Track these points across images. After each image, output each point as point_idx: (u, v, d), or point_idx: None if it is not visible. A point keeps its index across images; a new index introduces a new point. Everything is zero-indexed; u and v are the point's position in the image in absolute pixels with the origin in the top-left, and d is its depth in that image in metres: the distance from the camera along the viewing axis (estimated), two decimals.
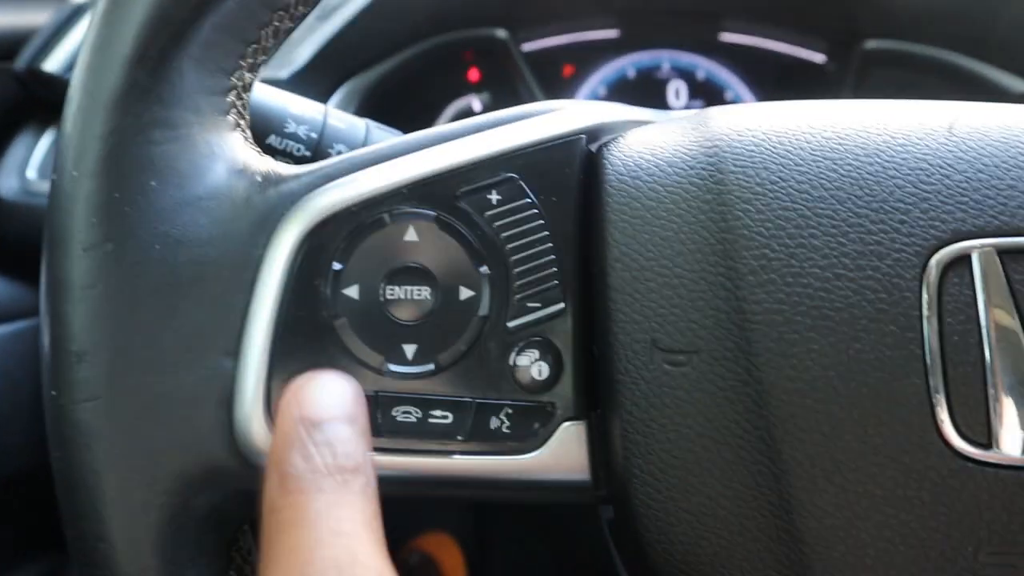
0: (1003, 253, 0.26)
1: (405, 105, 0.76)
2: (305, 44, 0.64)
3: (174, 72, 0.27)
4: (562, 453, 0.30)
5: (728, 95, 0.83)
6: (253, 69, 0.30)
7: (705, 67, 0.83)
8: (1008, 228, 0.26)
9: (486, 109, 0.81)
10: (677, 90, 0.84)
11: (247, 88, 0.30)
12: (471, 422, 0.29)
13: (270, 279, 0.28)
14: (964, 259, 0.26)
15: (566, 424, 0.30)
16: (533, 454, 0.29)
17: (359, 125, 0.46)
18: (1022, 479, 0.26)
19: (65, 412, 0.27)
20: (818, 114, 0.30)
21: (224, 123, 0.29)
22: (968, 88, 0.71)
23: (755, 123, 0.30)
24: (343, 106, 0.69)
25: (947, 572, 0.26)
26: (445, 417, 0.29)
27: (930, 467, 0.26)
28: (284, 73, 0.62)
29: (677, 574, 0.28)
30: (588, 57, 0.83)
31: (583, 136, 0.31)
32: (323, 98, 0.68)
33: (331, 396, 0.25)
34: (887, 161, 0.28)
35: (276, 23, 0.30)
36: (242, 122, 0.31)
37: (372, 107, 0.72)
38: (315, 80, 0.66)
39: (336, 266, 0.29)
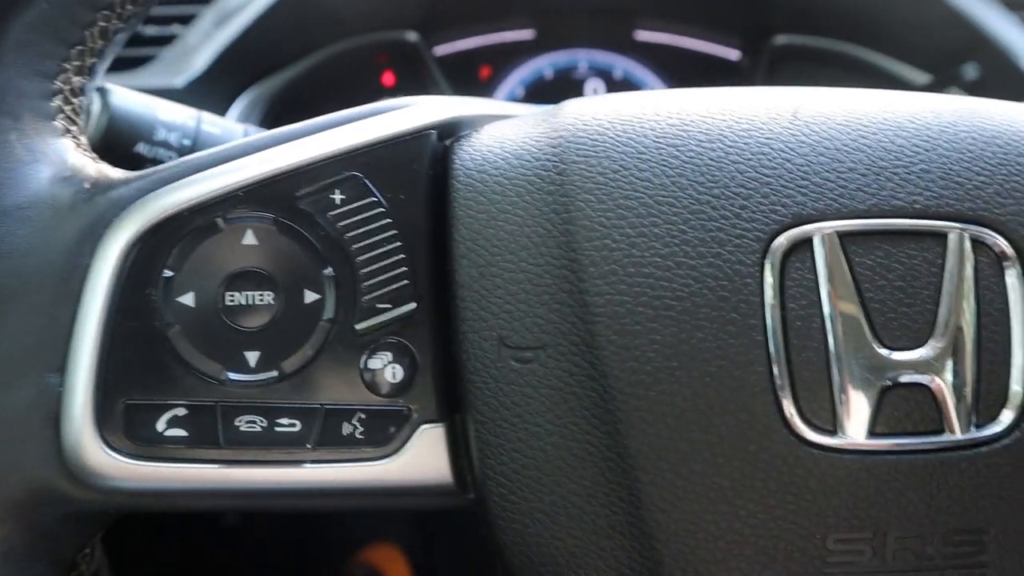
0: (844, 236, 0.26)
1: (315, 112, 0.75)
2: (202, 50, 0.63)
3: None
4: (422, 457, 0.29)
5: None
6: (84, 72, 0.29)
7: (622, 65, 0.83)
8: (848, 210, 0.26)
9: None
10: (595, 89, 0.84)
11: (77, 92, 0.29)
12: (321, 429, 0.28)
13: (96, 289, 0.27)
14: (806, 243, 0.26)
15: (424, 427, 0.29)
16: (390, 459, 0.28)
17: (236, 130, 0.44)
18: (867, 464, 0.25)
19: None
20: (667, 102, 0.29)
21: (49, 128, 0.28)
22: (874, 81, 0.71)
23: (602, 113, 0.29)
24: (246, 114, 0.67)
25: (797, 560, 0.25)
26: (293, 425, 0.28)
27: (776, 455, 0.25)
28: (179, 81, 0.61)
29: (535, 573, 0.27)
30: (504, 59, 0.83)
31: (433, 132, 0.30)
32: (224, 106, 0.66)
33: None
34: (729, 146, 0.27)
35: (102, 23, 0.28)
36: (74, 127, 0.29)
37: (279, 115, 0.70)
38: (214, 88, 0.64)
39: (168, 273, 0.27)
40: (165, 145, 0.42)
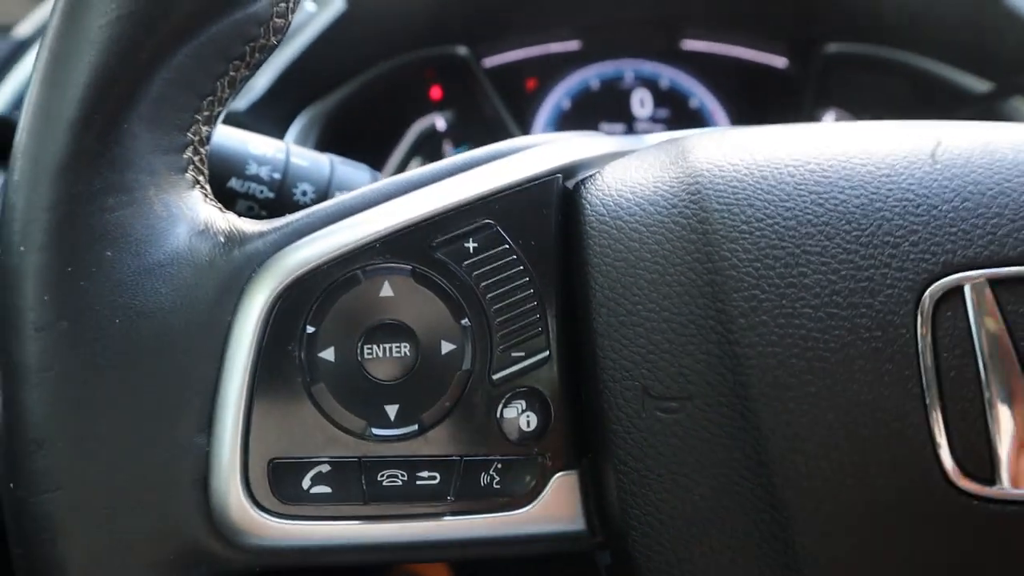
0: (995, 283, 0.26)
1: (368, 127, 0.75)
2: (262, 72, 0.62)
3: (124, 134, 0.26)
4: (556, 505, 0.29)
5: (692, 102, 0.83)
6: (210, 122, 0.29)
7: (668, 75, 0.83)
8: (998, 258, 0.26)
9: (450, 127, 0.80)
10: (641, 99, 0.83)
11: (204, 141, 0.29)
12: (460, 481, 0.28)
13: (240, 347, 0.27)
14: (956, 291, 0.26)
15: (558, 475, 0.29)
16: (526, 508, 0.28)
17: (323, 161, 0.44)
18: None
19: (25, 505, 0.25)
20: (798, 144, 0.29)
21: (182, 181, 0.28)
22: (930, 89, 0.71)
23: (735, 155, 0.29)
24: (305, 133, 0.67)
25: None
26: (433, 478, 0.28)
27: (933, 507, 0.25)
28: (242, 104, 0.61)
29: None
30: (550, 70, 0.82)
31: (559, 175, 0.30)
32: (283, 126, 0.66)
33: None
34: (873, 193, 0.27)
35: (232, 72, 0.28)
36: (201, 178, 0.29)
37: (334, 132, 0.70)
38: (274, 108, 0.64)
39: (310, 329, 0.27)
40: (256, 180, 0.41)
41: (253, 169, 0.42)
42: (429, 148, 0.79)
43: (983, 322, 0.26)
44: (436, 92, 0.80)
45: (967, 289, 0.26)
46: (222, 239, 0.28)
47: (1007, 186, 0.27)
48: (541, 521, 0.28)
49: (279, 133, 0.66)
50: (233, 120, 0.60)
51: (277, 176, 0.42)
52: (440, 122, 0.80)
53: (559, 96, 0.83)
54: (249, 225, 0.29)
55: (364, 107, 0.73)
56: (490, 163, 0.30)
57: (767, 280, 0.26)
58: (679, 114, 0.82)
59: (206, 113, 0.28)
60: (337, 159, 0.46)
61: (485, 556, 0.29)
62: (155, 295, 0.26)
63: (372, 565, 0.29)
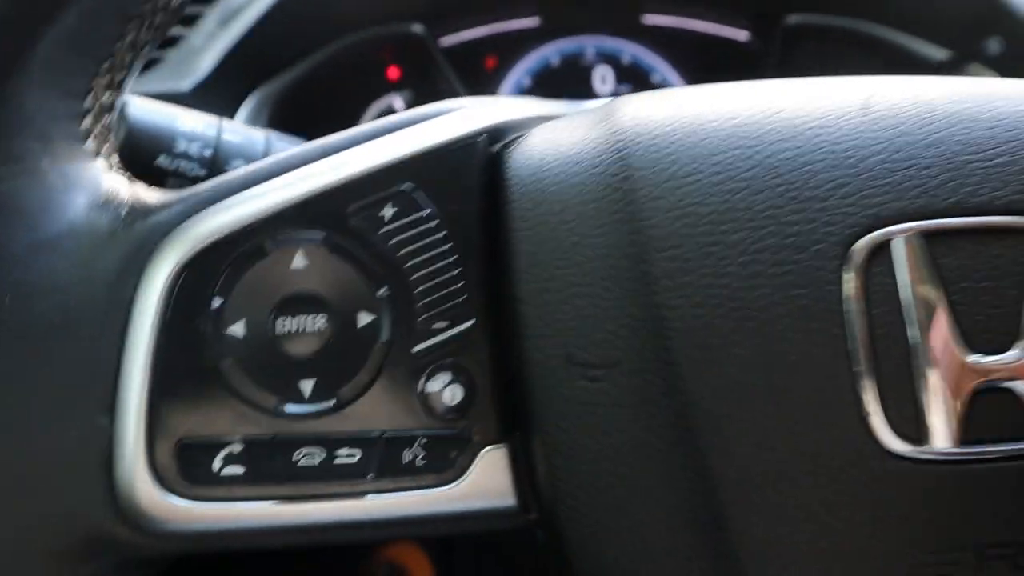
0: (928, 236, 0.25)
1: (323, 109, 0.73)
2: (207, 52, 0.61)
3: (11, 98, 0.24)
4: (485, 481, 0.28)
5: (655, 78, 0.81)
6: (113, 87, 0.27)
7: (630, 51, 0.82)
8: (931, 209, 0.25)
9: (408, 107, 0.78)
10: (603, 76, 0.82)
11: (107, 108, 0.27)
12: (381, 458, 0.27)
13: (143, 322, 0.25)
14: (887, 246, 0.25)
15: (486, 449, 0.28)
16: (453, 484, 0.27)
17: (258, 137, 0.43)
18: (958, 472, 0.24)
19: None
20: (728, 100, 0.28)
21: (80, 151, 0.26)
22: (891, 59, 0.70)
23: (663, 112, 0.28)
24: (255, 115, 0.65)
25: None
26: (352, 455, 0.27)
27: (864, 469, 0.24)
28: (186, 84, 0.59)
29: None
30: (510, 47, 0.81)
31: (483, 137, 0.29)
32: (232, 108, 0.64)
33: None
34: (801, 146, 0.26)
35: (132, 35, 0.27)
36: (105, 146, 0.28)
37: (286, 114, 0.68)
38: (221, 90, 0.62)
39: (216, 302, 0.26)
40: (186, 156, 0.40)
41: (183, 146, 0.40)
42: None
43: (913, 277, 0.25)
44: (393, 72, 0.78)
45: (898, 242, 0.25)
46: (124, 211, 0.26)
47: (938, 136, 0.26)
48: (470, 498, 0.27)
49: (228, 115, 0.64)
50: (178, 101, 0.58)
51: (208, 153, 0.41)
52: (398, 102, 0.78)
53: (519, 74, 0.81)
54: (154, 196, 0.27)
55: (318, 87, 0.71)
56: (410, 126, 0.29)
57: (691, 238, 0.25)
58: (641, 89, 0.81)
59: (106, 78, 0.27)
60: (274, 134, 0.44)
61: (411, 535, 0.28)
62: (50, 270, 0.25)
63: (300, 548, 0.28)
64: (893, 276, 0.25)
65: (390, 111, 0.78)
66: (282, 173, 0.27)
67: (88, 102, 0.27)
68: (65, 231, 0.25)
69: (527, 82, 0.81)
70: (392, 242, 0.27)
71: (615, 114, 0.28)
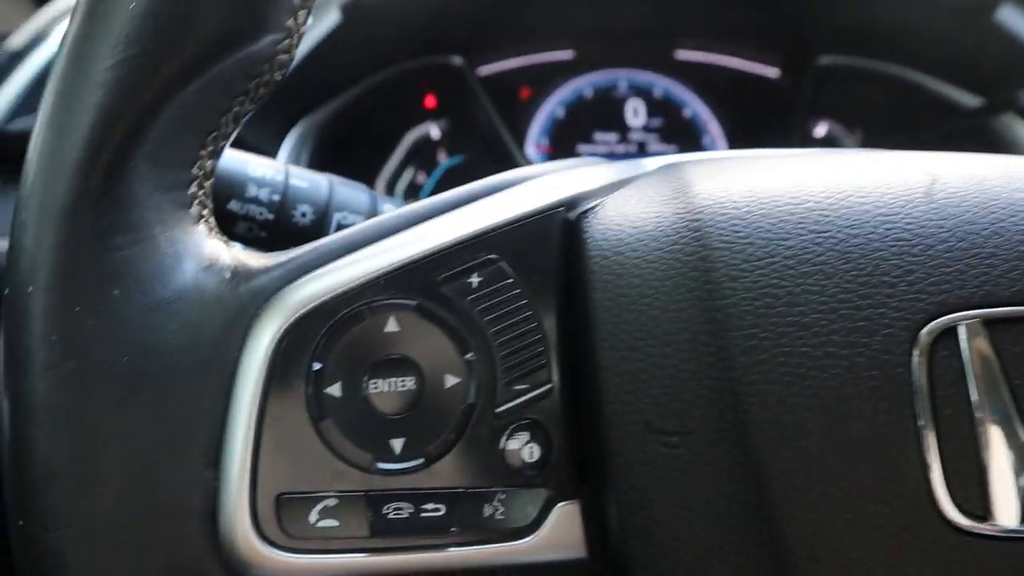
0: (989, 323, 0.26)
1: (363, 137, 0.75)
2: None
3: (130, 173, 0.26)
4: (558, 534, 0.29)
5: (686, 112, 0.83)
6: (214, 156, 0.29)
7: (662, 85, 0.83)
8: (992, 298, 0.26)
9: (444, 135, 0.80)
10: (635, 108, 0.84)
11: (208, 176, 0.29)
12: (464, 512, 0.28)
13: (247, 382, 0.27)
14: (952, 331, 0.26)
15: (560, 504, 0.29)
16: (529, 538, 0.29)
17: (321, 182, 0.45)
18: (1019, 550, 0.26)
19: (35, 542, 0.25)
20: (797, 177, 0.30)
21: (187, 217, 0.28)
22: (921, 102, 0.72)
23: (735, 189, 0.29)
24: (300, 144, 0.67)
25: None
26: (438, 510, 0.28)
27: (928, 542, 0.26)
28: None
29: None
30: (544, 79, 0.83)
31: (562, 208, 0.30)
32: (279, 137, 0.66)
33: None
34: (871, 233, 0.27)
35: (236, 108, 0.28)
36: (205, 212, 0.29)
37: (330, 143, 0.70)
38: (269, 120, 0.64)
39: (316, 365, 0.28)
40: (256, 202, 0.42)
41: (253, 191, 0.42)
42: (423, 157, 0.80)
43: (977, 361, 0.26)
44: (430, 101, 0.80)
45: (961, 329, 0.26)
46: (228, 275, 0.28)
47: (1001, 226, 0.27)
48: (543, 550, 0.29)
49: (274, 144, 0.66)
50: None
51: (276, 198, 0.42)
52: (435, 131, 0.80)
53: (553, 105, 0.83)
54: (255, 259, 0.29)
55: (359, 117, 0.73)
56: (492, 195, 0.31)
57: (767, 319, 0.27)
58: (673, 124, 0.83)
59: (210, 148, 0.29)
60: (336, 179, 0.46)
61: None
62: (162, 332, 0.26)
63: None
64: (959, 359, 0.26)
65: (427, 139, 0.79)
66: (375, 241, 0.29)
67: (195, 171, 0.28)
68: (176, 295, 0.27)
69: (560, 113, 0.83)
70: (478, 309, 0.29)
71: (688, 189, 0.30)
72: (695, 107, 0.83)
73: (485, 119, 0.79)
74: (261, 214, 0.42)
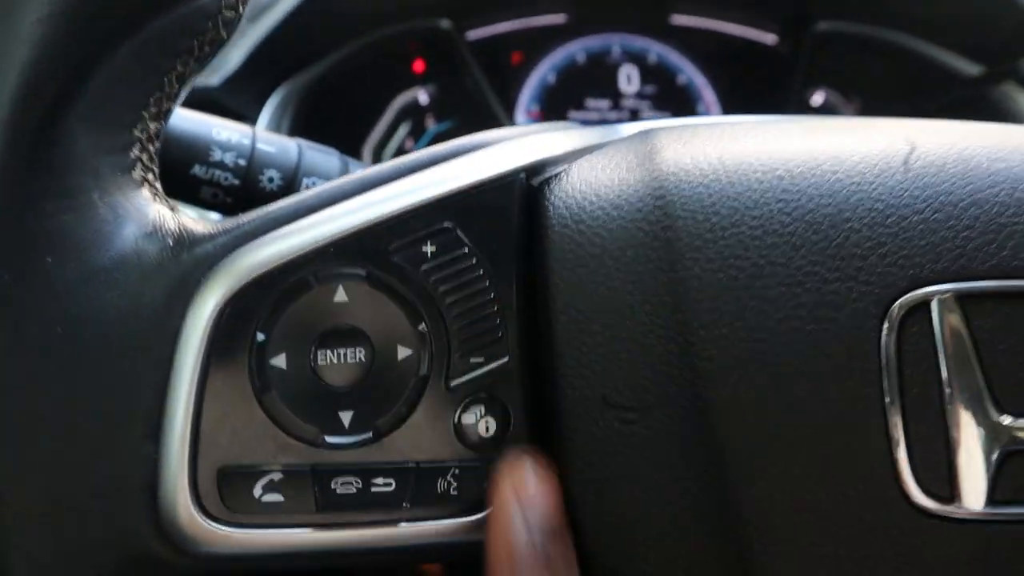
0: (963, 298, 0.25)
1: (349, 101, 0.73)
2: (236, 47, 0.61)
3: (63, 135, 0.25)
4: None
5: (680, 78, 0.81)
6: (158, 118, 0.28)
7: (656, 50, 0.81)
8: (967, 272, 0.25)
9: (432, 101, 0.78)
10: (628, 75, 0.82)
11: (153, 138, 0.28)
12: (416, 487, 0.27)
13: (188, 353, 0.26)
14: (924, 306, 0.25)
15: None
16: (484, 514, 0.28)
17: (290, 146, 0.43)
18: (986, 533, 0.25)
19: None
20: (767, 145, 0.28)
21: (129, 181, 0.27)
22: (921, 70, 0.70)
23: (703, 157, 0.28)
24: (282, 108, 0.65)
25: None
26: (388, 484, 0.27)
27: (892, 524, 0.25)
28: (215, 79, 0.59)
29: None
30: (536, 43, 0.81)
31: (522, 174, 0.29)
32: (260, 101, 0.65)
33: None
34: (842, 203, 0.26)
35: (180, 68, 0.27)
36: (150, 175, 0.28)
37: (313, 106, 0.69)
38: (249, 84, 0.62)
39: (260, 336, 0.27)
40: (221, 166, 0.40)
41: (217, 155, 0.40)
42: (411, 122, 0.78)
43: (949, 338, 0.25)
44: (419, 65, 0.78)
45: (934, 304, 0.25)
46: (171, 241, 0.27)
47: (979, 197, 0.26)
48: None
49: (255, 108, 0.64)
50: (206, 96, 0.59)
51: (243, 162, 0.41)
52: (423, 96, 0.78)
53: (544, 70, 0.81)
54: (199, 226, 0.28)
55: (344, 81, 0.71)
56: (451, 160, 0.29)
57: (730, 291, 0.25)
58: (667, 90, 0.81)
59: (153, 109, 0.27)
60: (305, 144, 0.45)
61: (442, 560, 0.29)
62: (100, 301, 0.25)
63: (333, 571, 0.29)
64: (930, 336, 0.25)
65: (415, 104, 0.78)
66: (325, 207, 0.28)
67: (136, 133, 0.27)
68: (114, 262, 0.26)
69: (552, 79, 0.81)
70: (432, 279, 0.27)
71: (655, 156, 0.29)
72: (690, 74, 0.81)
73: (474, 85, 0.78)
74: (227, 179, 0.41)
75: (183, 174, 0.40)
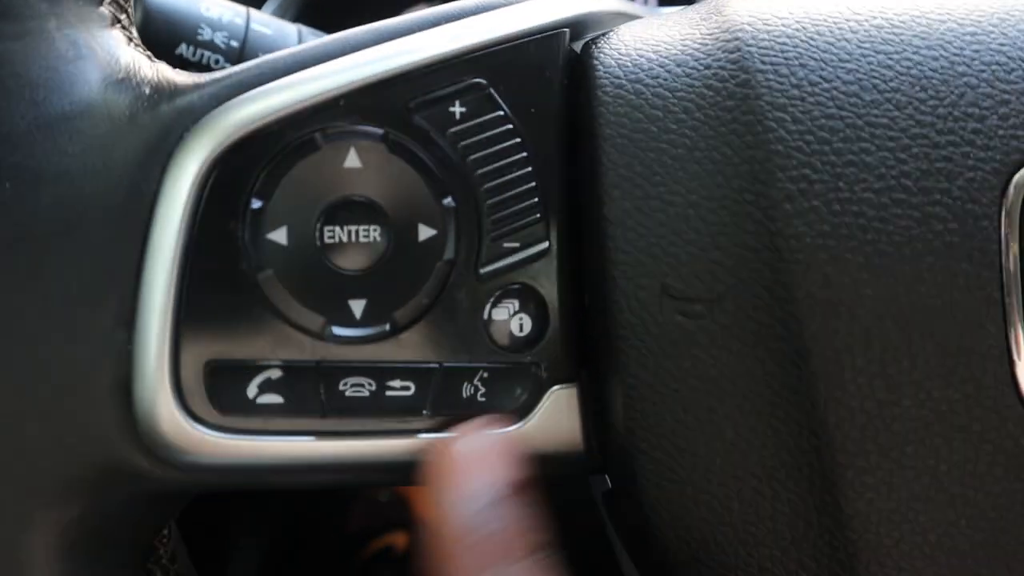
0: None
1: (357, 7, 0.68)
2: None
3: None
4: (552, 423, 0.24)
5: None
6: None
7: None
8: None
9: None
10: None
11: None
12: (438, 392, 0.24)
13: (168, 222, 0.22)
14: None
15: (555, 388, 0.24)
16: (516, 426, 0.24)
17: (289, 32, 0.39)
18: None
19: None
20: None
21: (95, 15, 0.22)
22: None
23: (785, 10, 0.23)
24: (282, 9, 0.60)
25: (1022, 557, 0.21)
26: (406, 388, 0.23)
27: (1007, 435, 0.21)
28: None
29: (693, 564, 0.23)
30: None
31: (566, 30, 0.25)
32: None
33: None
34: (955, 55, 0.22)
35: None
36: (123, 17, 0.23)
37: (316, 8, 0.63)
38: None
39: (256, 204, 0.22)
40: (210, 47, 0.36)
41: (207, 34, 0.36)
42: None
43: None
44: None
45: None
46: (147, 90, 0.22)
47: None
48: (532, 441, 0.24)
49: (256, 3, 0.59)
50: None
51: (235, 44, 0.36)
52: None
53: None
54: (182, 76, 0.23)
55: None
56: (484, 12, 0.25)
57: (821, 157, 0.21)
58: None
59: None
60: (307, 29, 0.40)
61: None
62: (59, 155, 0.21)
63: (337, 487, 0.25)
64: None
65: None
66: (337, 56, 0.23)
67: None
68: (76, 109, 0.21)
69: None
70: (461, 145, 0.23)
71: (724, 9, 0.24)
72: None
73: None
74: (217, 62, 0.36)
75: (167, 54, 0.35)
